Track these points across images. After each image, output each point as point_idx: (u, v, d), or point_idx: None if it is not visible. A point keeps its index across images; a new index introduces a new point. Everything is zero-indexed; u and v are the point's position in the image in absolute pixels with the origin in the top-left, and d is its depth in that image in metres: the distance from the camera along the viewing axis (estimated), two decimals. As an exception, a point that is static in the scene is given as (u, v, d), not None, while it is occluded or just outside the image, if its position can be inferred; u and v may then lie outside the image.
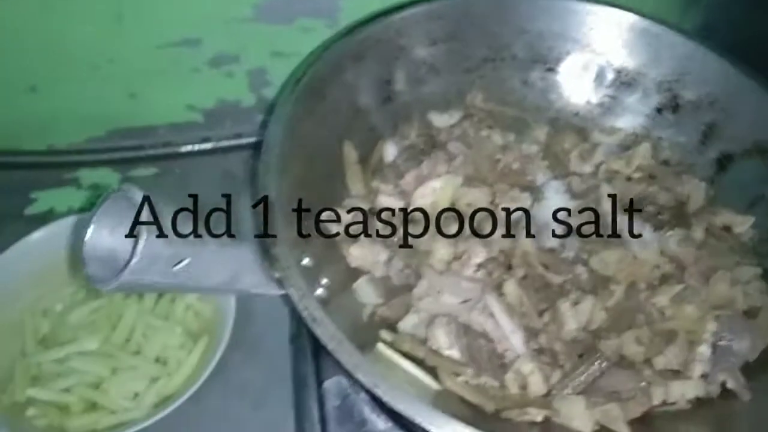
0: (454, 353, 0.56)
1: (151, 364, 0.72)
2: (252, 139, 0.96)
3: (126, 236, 0.45)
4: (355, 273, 0.63)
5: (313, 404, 0.62)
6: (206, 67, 0.90)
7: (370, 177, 0.70)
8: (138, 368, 0.72)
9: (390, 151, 0.73)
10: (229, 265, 0.50)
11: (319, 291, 0.55)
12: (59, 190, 0.91)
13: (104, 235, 0.45)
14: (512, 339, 0.56)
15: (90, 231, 0.44)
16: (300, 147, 0.63)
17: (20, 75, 0.87)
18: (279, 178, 0.58)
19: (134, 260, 0.41)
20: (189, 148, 0.95)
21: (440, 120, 0.77)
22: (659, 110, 0.77)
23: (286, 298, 0.53)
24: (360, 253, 0.62)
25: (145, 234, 0.41)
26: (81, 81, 0.88)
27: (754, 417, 0.57)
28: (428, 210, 0.66)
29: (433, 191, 0.67)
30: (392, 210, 0.66)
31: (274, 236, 0.54)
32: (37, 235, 0.78)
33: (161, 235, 0.42)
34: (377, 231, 0.65)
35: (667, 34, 0.74)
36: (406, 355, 0.56)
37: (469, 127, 0.74)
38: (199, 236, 0.46)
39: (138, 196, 0.42)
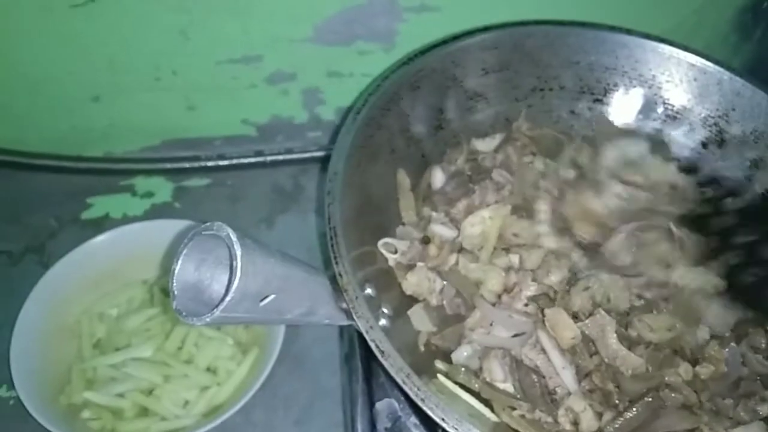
0: (508, 386, 0.59)
1: (202, 374, 0.75)
2: (302, 155, 0.99)
3: (213, 272, 0.48)
4: (410, 301, 0.65)
5: (364, 424, 0.65)
6: (263, 84, 0.93)
7: (420, 204, 0.73)
8: (189, 377, 0.75)
9: (438, 177, 0.75)
10: (308, 298, 0.52)
11: (383, 321, 0.57)
12: (115, 196, 0.96)
13: (190, 270, 0.48)
14: (563, 375, 0.58)
15: (178, 265, 0.47)
16: (360, 175, 0.66)
17: (85, 85, 0.91)
18: (342, 208, 0.61)
19: (227, 299, 0.44)
20: (241, 160, 0.98)
21: (483, 145, 0.79)
22: (705, 145, 0.78)
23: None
24: (416, 281, 0.65)
25: (239, 274, 0.44)
26: (142, 92, 0.92)
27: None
28: (477, 239, 0.68)
29: (482, 220, 0.69)
30: (445, 238, 0.69)
31: (343, 267, 0.57)
32: (95, 240, 0.81)
33: (252, 271, 0.45)
34: (431, 259, 0.67)
35: (714, 70, 0.76)
36: (461, 386, 0.58)
37: (513, 153, 0.76)
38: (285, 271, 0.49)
39: (227, 233, 0.45)
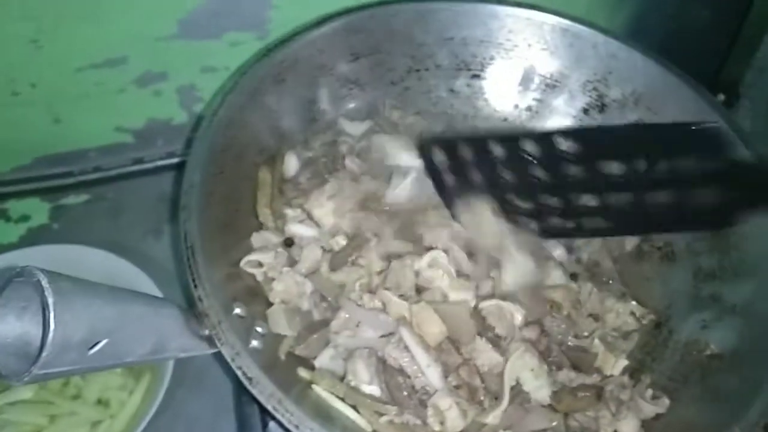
0: (375, 389, 0.56)
1: (92, 408, 0.71)
2: (185, 158, 0.92)
3: (39, 320, 0.43)
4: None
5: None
6: (133, 87, 0.88)
7: (276, 198, 0.68)
8: (78, 413, 0.70)
9: (292, 164, 0.71)
10: (153, 334, 0.48)
11: (255, 343, 0.54)
12: (-13, 223, 0.89)
13: (11, 321, 0.43)
14: (428, 374, 0.56)
15: (-7, 320, 0.42)
16: (223, 183, 0.62)
17: (-63, 107, 0.84)
18: (202, 223, 0.57)
19: (43, 354, 0.39)
20: (121, 170, 0.93)
21: (351, 127, 0.75)
22: (586, 111, 0.76)
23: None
24: (282, 288, 0.61)
25: (53, 325, 0.40)
26: (2, 109, 0.85)
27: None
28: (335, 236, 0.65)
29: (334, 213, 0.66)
30: (306, 238, 0.65)
31: (203, 290, 0.53)
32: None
33: (71, 318, 0.41)
34: (298, 262, 0.63)
35: (588, 34, 0.74)
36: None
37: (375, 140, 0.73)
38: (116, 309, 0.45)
39: (40, 278, 0.41)
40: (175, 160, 0.94)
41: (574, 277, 0.68)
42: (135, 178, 0.93)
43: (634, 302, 0.68)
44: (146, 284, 0.74)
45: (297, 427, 0.49)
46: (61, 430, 0.69)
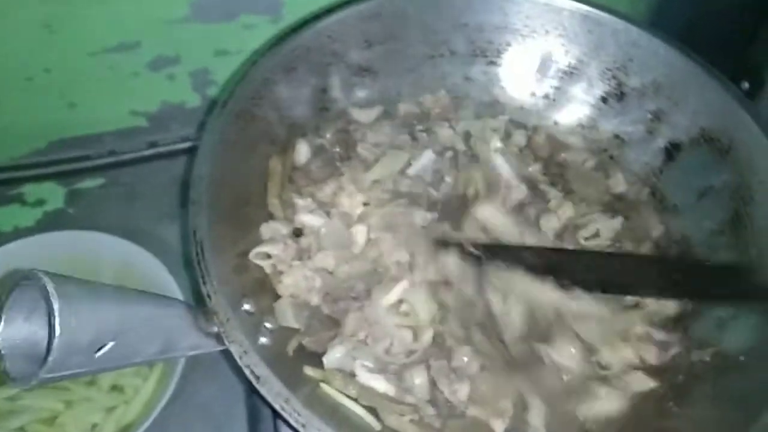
0: (390, 389, 0.56)
1: (107, 394, 0.72)
2: (199, 141, 0.93)
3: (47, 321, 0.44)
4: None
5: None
6: (146, 71, 0.87)
7: (287, 185, 0.67)
8: (93, 399, 0.71)
9: (303, 151, 0.70)
10: (161, 334, 0.48)
11: (263, 340, 0.54)
12: (3, 208, 0.89)
13: (19, 323, 0.43)
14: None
15: (2, 322, 0.43)
16: (233, 176, 0.62)
17: (-47, 93, 0.84)
18: (211, 217, 0.57)
19: (50, 359, 0.40)
20: (135, 154, 0.93)
21: (362, 115, 0.74)
22: (605, 99, 0.74)
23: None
24: (292, 281, 0.60)
25: (59, 331, 0.40)
26: (17, 93, 0.86)
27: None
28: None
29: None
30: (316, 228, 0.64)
31: (212, 287, 0.52)
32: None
33: (77, 322, 0.41)
34: (307, 253, 0.63)
35: (609, 20, 0.71)
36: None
37: (389, 127, 0.72)
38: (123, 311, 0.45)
39: (45, 283, 0.41)
40: (189, 144, 0.93)
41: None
42: (150, 162, 0.93)
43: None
44: (160, 271, 0.74)
45: (304, 426, 0.49)
46: (76, 416, 0.70)
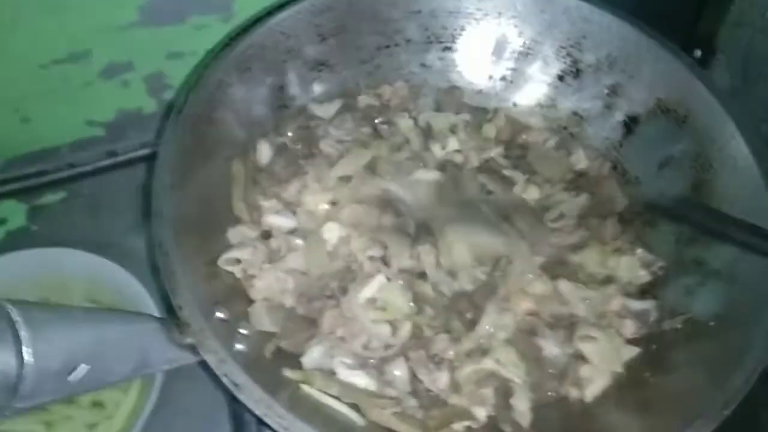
0: (370, 383, 0.56)
1: (88, 411, 0.71)
2: (159, 147, 0.92)
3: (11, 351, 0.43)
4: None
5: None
6: (99, 80, 0.85)
7: (251, 186, 0.67)
8: (74, 418, 0.70)
9: (264, 151, 0.69)
10: (134, 352, 0.48)
11: (239, 346, 0.53)
12: (-37, 231, 0.87)
13: (-11, 354, 0.43)
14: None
15: (-31, 355, 0.42)
16: (194, 183, 0.61)
17: None
18: (176, 227, 0.56)
19: (20, 388, 0.39)
20: (95, 165, 0.91)
21: (321, 110, 0.74)
22: (561, 77, 0.75)
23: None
24: (264, 285, 0.60)
25: (27, 356, 0.39)
26: (-33, 111, 0.83)
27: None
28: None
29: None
30: (284, 229, 0.64)
31: (182, 298, 0.52)
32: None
33: (47, 349, 0.41)
34: (276, 254, 0.63)
35: (559, -1, 0.72)
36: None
37: (350, 121, 0.72)
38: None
39: (10, 311, 0.40)
40: (148, 151, 0.92)
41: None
42: (110, 172, 0.91)
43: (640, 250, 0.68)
44: (131, 283, 0.73)
45: (287, 429, 0.49)
46: (58, 435, 0.69)
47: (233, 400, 0.65)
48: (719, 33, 0.80)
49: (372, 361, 0.58)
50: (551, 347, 0.61)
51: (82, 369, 0.43)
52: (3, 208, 0.89)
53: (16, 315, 0.40)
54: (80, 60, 0.83)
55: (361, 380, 0.56)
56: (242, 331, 0.56)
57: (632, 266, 0.67)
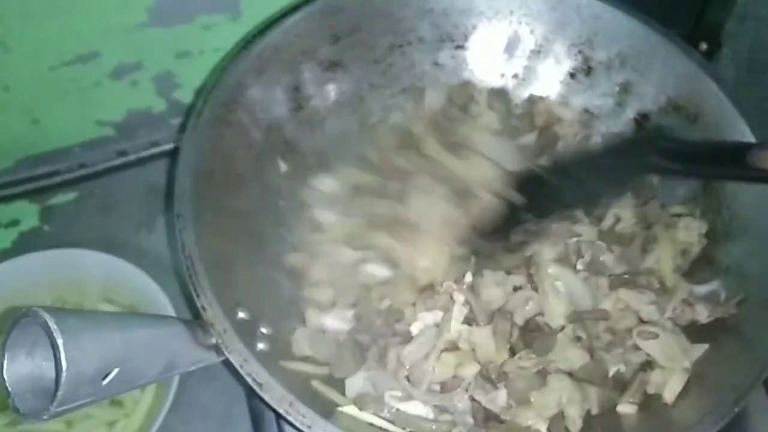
0: (428, 412, 0.57)
1: (106, 409, 0.71)
2: (169, 146, 0.92)
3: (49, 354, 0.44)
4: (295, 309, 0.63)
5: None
6: (108, 80, 0.85)
7: None
8: (94, 416, 0.71)
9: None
10: (162, 355, 0.48)
11: (261, 345, 0.55)
12: (-24, 232, 0.88)
13: (21, 359, 0.43)
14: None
15: (5, 361, 0.43)
16: (214, 186, 0.61)
17: None
18: (198, 230, 0.56)
19: (59, 393, 0.40)
20: (106, 165, 0.91)
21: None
22: (573, 75, 0.76)
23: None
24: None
25: (65, 363, 0.40)
26: (-21, 114, 0.84)
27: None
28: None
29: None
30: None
31: (206, 299, 0.53)
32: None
33: (82, 355, 0.41)
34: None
35: (571, -5, 0.72)
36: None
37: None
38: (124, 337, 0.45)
39: (47, 319, 0.41)
40: (158, 150, 0.92)
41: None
42: (121, 171, 0.92)
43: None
44: (147, 282, 0.73)
45: (309, 427, 0.50)
46: (78, 434, 0.70)
47: (252, 397, 0.67)
48: (725, 26, 0.81)
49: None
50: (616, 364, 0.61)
51: (114, 373, 0.43)
52: (15, 209, 0.89)
53: (52, 323, 0.41)
54: (89, 61, 0.83)
55: (415, 409, 0.57)
56: (263, 330, 0.57)
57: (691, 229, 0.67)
